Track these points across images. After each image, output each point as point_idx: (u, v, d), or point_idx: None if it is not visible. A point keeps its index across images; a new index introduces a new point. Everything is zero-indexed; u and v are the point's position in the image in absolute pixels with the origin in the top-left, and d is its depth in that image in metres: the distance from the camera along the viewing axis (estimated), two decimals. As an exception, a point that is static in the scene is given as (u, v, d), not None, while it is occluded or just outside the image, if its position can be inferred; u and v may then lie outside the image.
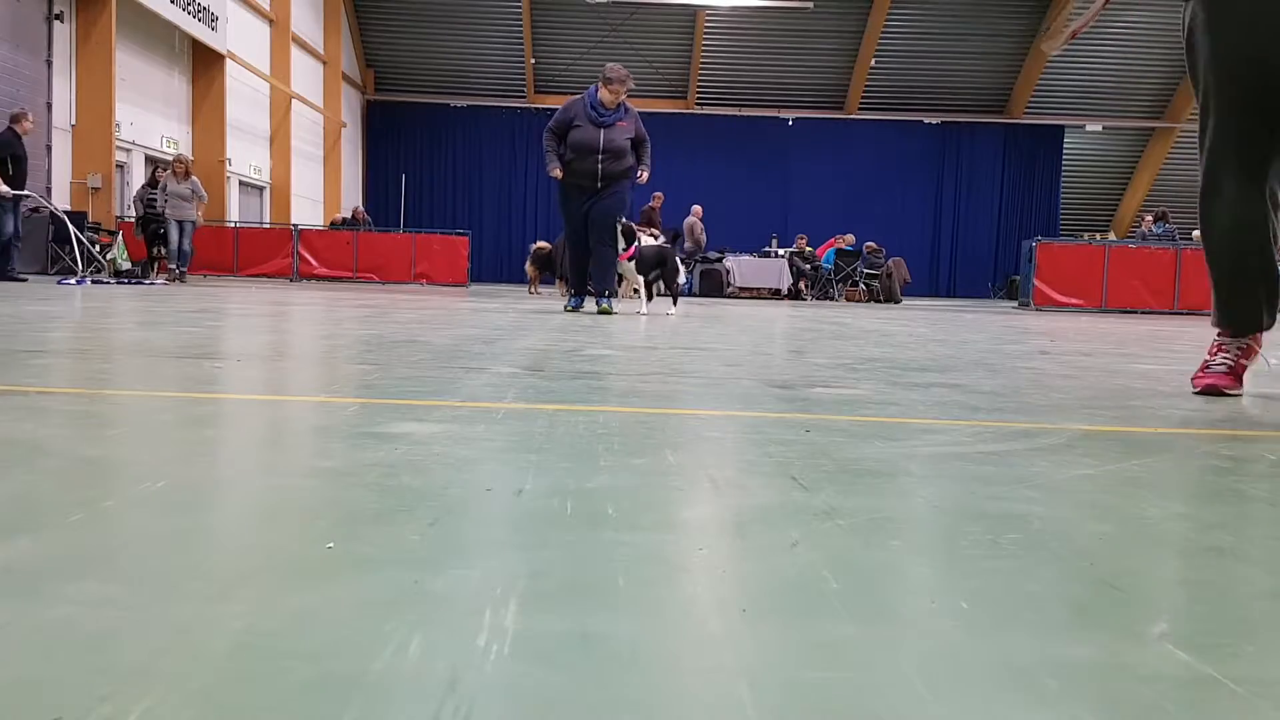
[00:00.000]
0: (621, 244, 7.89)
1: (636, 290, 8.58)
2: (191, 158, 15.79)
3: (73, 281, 11.32)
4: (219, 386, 2.43)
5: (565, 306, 7.78)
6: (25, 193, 12.29)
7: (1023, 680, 0.72)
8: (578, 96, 8.07)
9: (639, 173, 8.10)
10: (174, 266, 13.95)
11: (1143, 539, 1.16)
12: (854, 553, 1.05)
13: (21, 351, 3.02)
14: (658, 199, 16.66)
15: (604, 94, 7.89)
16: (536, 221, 27.55)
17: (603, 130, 7.86)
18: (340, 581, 0.90)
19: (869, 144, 28.49)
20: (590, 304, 8.12)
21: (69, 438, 1.61)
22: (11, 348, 3.14)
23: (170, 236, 14.03)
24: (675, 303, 8.77)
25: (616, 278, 8.15)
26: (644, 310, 8.08)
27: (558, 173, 7.92)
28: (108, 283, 11.95)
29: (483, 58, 27.56)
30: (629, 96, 8.05)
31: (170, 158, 17.67)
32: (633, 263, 7.99)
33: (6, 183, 11.65)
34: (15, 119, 12.20)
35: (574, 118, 7.89)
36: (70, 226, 12.96)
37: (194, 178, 14.31)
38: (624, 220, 7.98)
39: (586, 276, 8.20)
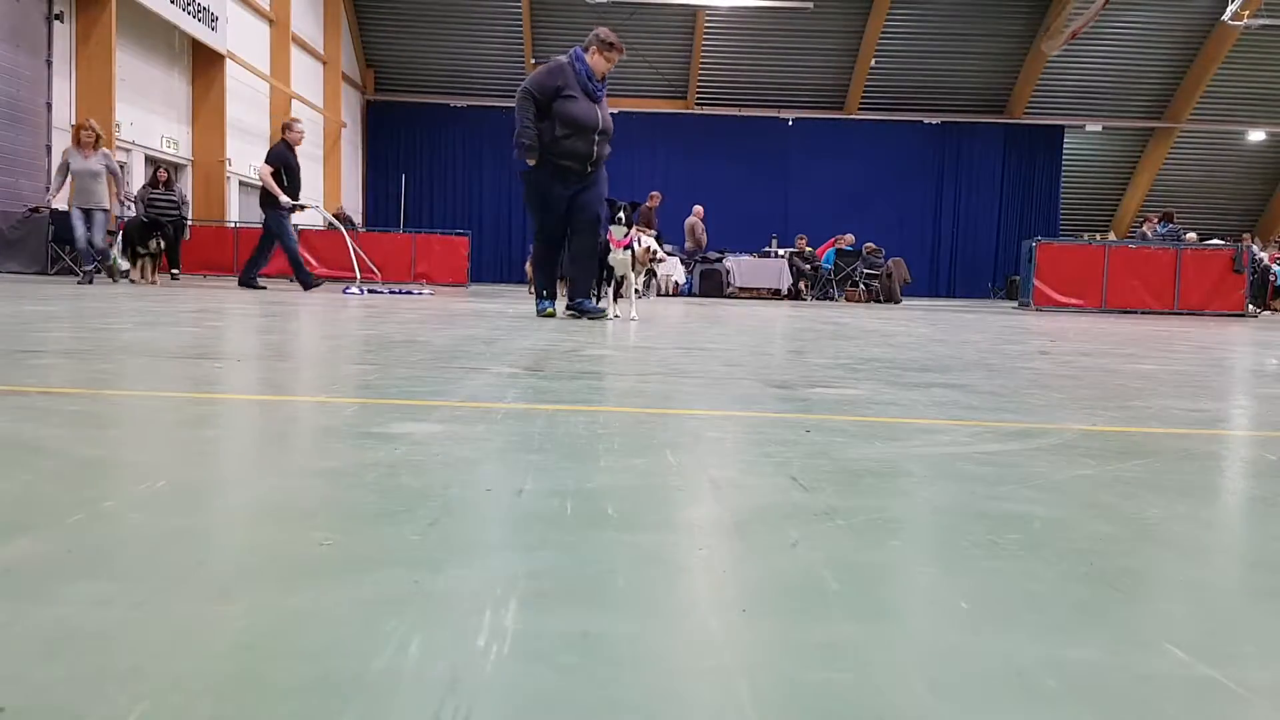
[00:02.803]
0: (620, 230, 6.67)
1: (638, 290, 7.52)
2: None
3: (355, 290, 10.89)
4: (219, 386, 2.43)
5: (539, 310, 6.84)
6: (303, 203, 11.82)
7: (1023, 680, 0.72)
8: (562, 59, 6.64)
9: None
10: (88, 266, 11.20)
11: (1143, 539, 1.16)
12: (854, 553, 1.05)
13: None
14: (654, 198, 16.60)
15: (598, 61, 6.59)
16: (536, 221, 27.50)
17: (598, 106, 6.60)
18: (340, 581, 0.90)
19: (869, 144, 28.48)
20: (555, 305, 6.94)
21: (70, 438, 1.61)
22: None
23: (76, 230, 11.11)
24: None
25: (609, 274, 7.03)
26: (634, 315, 6.88)
27: (533, 160, 6.54)
28: (381, 291, 11.40)
29: (483, 58, 27.56)
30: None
31: (165, 157, 17.24)
32: (629, 253, 6.74)
33: (284, 194, 11.19)
34: (285, 127, 11.68)
35: (564, 86, 6.50)
36: (348, 239, 12.75)
37: (105, 150, 11.33)
38: (622, 202, 6.79)
39: (557, 275, 7.18)
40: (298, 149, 11.66)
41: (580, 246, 6.83)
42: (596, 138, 6.56)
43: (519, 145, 6.56)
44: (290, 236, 11.51)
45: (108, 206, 11.32)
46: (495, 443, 1.67)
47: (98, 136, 11.13)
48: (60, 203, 11.34)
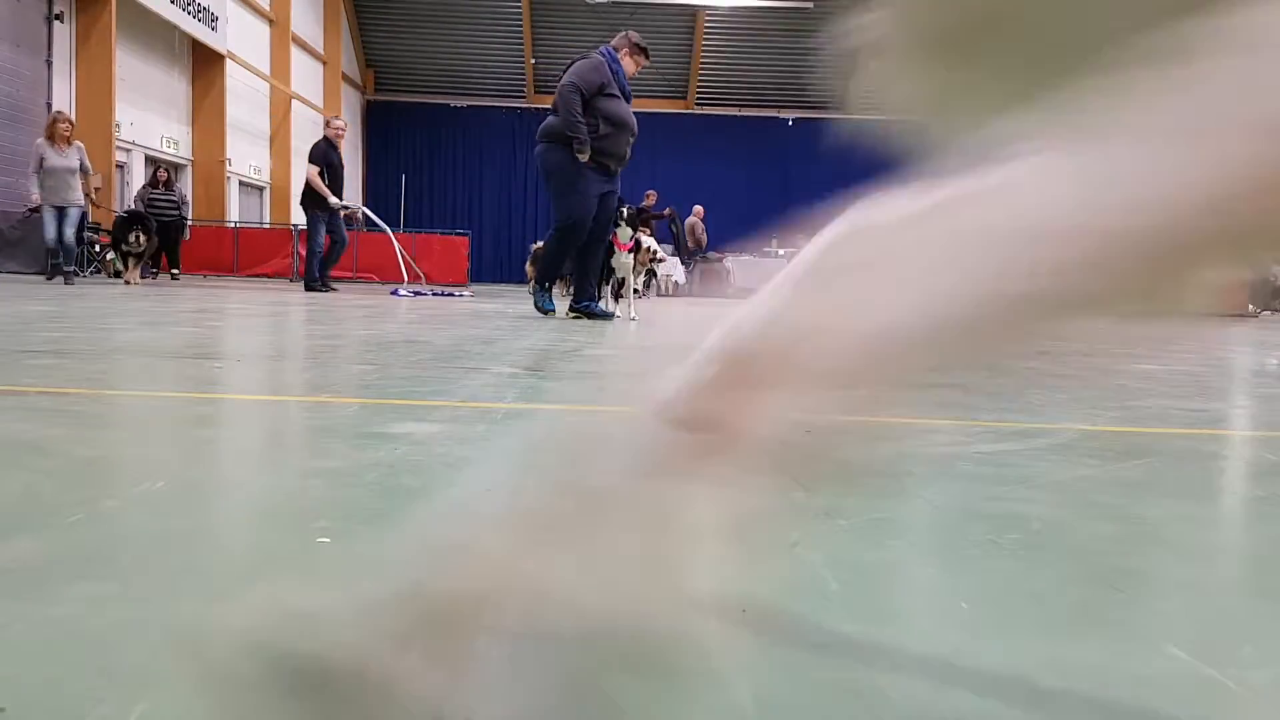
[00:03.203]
0: (625, 233, 6.76)
1: (637, 290, 7.59)
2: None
3: (404, 292, 10.75)
4: (219, 387, 2.43)
5: (540, 307, 6.87)
6: (346, 203, 11.59)
7: (1023, 680, 0.72)
8: (597, 57, 6.63)
9: None
10: (68, 267, 10.71)
11: (1143, 539, 1.16)
12: (854, 553, 1.05)
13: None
14: (650, 197, 16.66)
15: (628, 64, 6.67)
16: (537, 221, 27.53)
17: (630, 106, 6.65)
18: (340, 581, 0.90)
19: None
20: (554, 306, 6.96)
21: (70, 438, 1.61)
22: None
23: (48, 230, 10.63)
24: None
25: (608, 274, 7.09)
26: (633, 315, 6.91)
27: (586, 155, 6.42)
28: (426, 293, 11.26)
29: (483, 58, 27.55)
30: None
31: (165, 157, 17.16)
32: (631, 256, 6.85)
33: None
34: (325, 124, 11.39)
35: (607, 84, 6.47)
36: (395, 241, 12.65)
37: (79, 144, 10.76)
38: (628, 206, 6.88)
39: (559, 274, 7.23)
40: (341, 146, 11.51)
41: (594, 248, 6.77)
42: (629, 139, 6.57)
43: (573, 140, 6.38)
44: (318, 241, 11.39)
45: (82, 203, 10.84)
46: (495, 442, 1.67)
47: (72, 129, 10.73)
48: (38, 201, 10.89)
